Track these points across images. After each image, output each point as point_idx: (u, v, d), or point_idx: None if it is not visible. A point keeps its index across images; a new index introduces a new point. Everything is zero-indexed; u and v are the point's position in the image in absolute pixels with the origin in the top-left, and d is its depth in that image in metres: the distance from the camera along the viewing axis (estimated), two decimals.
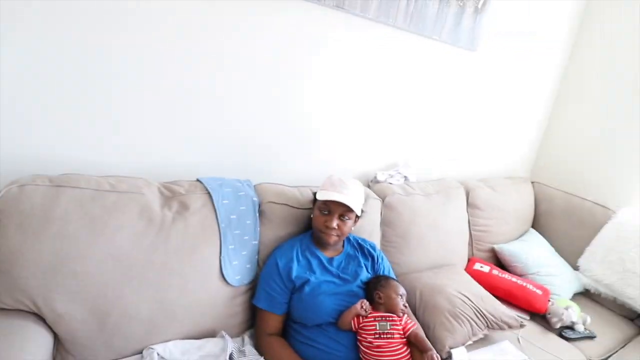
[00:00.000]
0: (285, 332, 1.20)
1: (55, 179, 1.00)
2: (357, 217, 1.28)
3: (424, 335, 1.14)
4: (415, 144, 1.92)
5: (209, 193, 1.19)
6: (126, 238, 1.01)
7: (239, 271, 1.19)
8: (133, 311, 1.01)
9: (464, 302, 1.39)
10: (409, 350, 1.09)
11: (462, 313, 1.35)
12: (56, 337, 0.98)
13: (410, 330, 1.10)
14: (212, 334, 1.15)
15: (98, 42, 1.08)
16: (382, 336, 1.07)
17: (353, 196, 1.22)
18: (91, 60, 1.09)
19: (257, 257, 1.27)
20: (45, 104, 1.07)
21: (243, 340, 1.20)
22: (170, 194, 1.15)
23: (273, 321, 1.17)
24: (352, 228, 1.30)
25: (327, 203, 1.22)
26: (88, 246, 0.97)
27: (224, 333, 1.14)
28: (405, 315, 1.15)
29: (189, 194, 1.17)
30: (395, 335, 1.08)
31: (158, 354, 1.03)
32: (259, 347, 1.16)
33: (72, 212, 0.97)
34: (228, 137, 1.39)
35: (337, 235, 1.23)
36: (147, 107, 1.21)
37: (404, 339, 1.10)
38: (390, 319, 1.11)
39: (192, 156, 1.34)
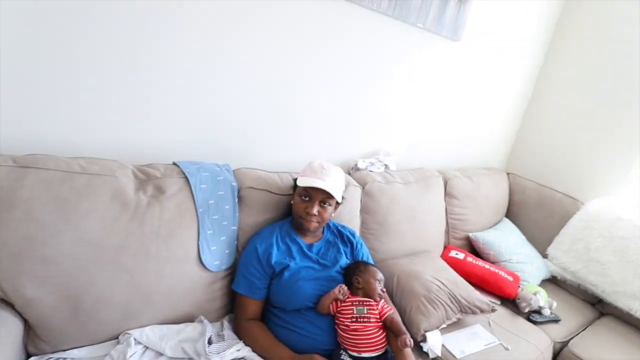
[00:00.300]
0: (264, 317, 1.21)
1: (19, 159, 0.95)
2: (337, 203, 1.29)
3: (399, 320, 1.16)
4: (396, 132, 1.93)
5: (186, 177, 1.16)
6: (98, 222, 0.98)
7: (218, 256, 1.18)
8: (107, 296, 0.98)
9: (439, 287, 1.44)
10: (384, 334, 1.12)
11: (437, 298, 1.40)
12: (26, 323, 0.95)
13: (387, 315, 1.13)
14: (190, 319, 1.14)
15: (66, 14, 1.02)
16: (358, 320, 1.09)
17: (334, 183, 1.23)
18: (60, 33, 1.03)
19: (236, 242, 1.26)
20: (8, 76, 1.00)
21: (222, 325, 1.20)
22: (145, 178, 1.12)
23: (252, 306, 1.17)
24: (332, 214, 1.30)
25: (307, 189, 1.21)
26: (57, 230, 0.93)
27: (202, 318, 1.14)
28: (382, 300, 1.17)
29: (165, 177, 1.14)
30: (371, 320, 1.10)
31: (135, 339, 1.01)
32: (238, 332, 1.16)
33: (39, 194, 0.93)
34: (207, 120, 1.36)
35: (318, 222, 1.23)
36: (121, 84, 1.16)
37: (380, 323, 1.12)
38: (368, 303, 1.13)
39: (169, 138, 1.30)
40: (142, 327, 1.04)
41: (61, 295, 0.94)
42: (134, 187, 1.08)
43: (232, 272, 1.23)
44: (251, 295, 1.17)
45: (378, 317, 1.12)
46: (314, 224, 1.23)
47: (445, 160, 2.20)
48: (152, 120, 1.25)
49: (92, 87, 1.12)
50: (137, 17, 1.12)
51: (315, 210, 1.20)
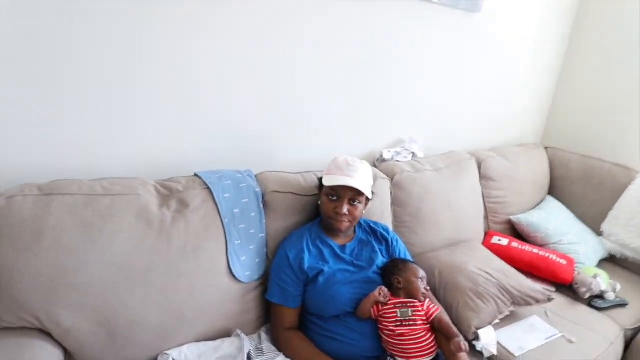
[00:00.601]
0: (302, 326, 1.15)
1: (44, 187, 0.95)
2: (367, 200, 1.22)
3: (449, 320, 1.08)
4: (420, 117, 1.82)
5: (208, 188, 1.13)
6: (125, 243, 0.96)
7: (248, 267, 1.14)
8: (141, 318, 0.96)
9: (486, 279, 1.33)
10: (433, 337, 1.04)
11: (486, 291, 1.30)
12: (66, 352, 0.95)
13: (434, 315, 1.05)
14: (227, 334, 1.11)
15: (74, 27, 1.00)
16: (403, 323, 1.02)
17: (362, 178, 1.16)
18: (68, 49, 1.01)
19: (265, 250, 1.22)
20: (23, 103, 0.99)
21: (260, 337, 1.15)
22: (168, 192, 1.09)
23: (289, 315, 1.13)
24: (363, 212, 1.23)
25: (335, 188, 1.15)
26: (86, 255, 0.92)
27: (239, 332, 1.10)
28: (427, 300, 1.09)
29: (187, 190, 1.10)
30: (418, 322, 1.03)
31: (173, 359, 0.99)
32: (277, 343, 1.11)
33: (65, 220, 0.91)
34: (223, 128, 1.31)
35: (349, 221, 1.17)
36: (137, 99, 1.13)
37: (428, 325, 1.04)
38: (412, 304, 1.05)
39: (188, 149, 1.27)
40: (179, 346, 1.02)
41: (96, 321, 0.93)
42: (157, 204, 1.05)
43: (265, 282, 1.19)
44: (286, 304, 1.12)
45: (425, 318, 1.04)
46: (345, 224, 1.17)
47: (476, 142, 2.07)
48: (170, 133, 1.22)
49: (104, 105, 1.10)
50: (144, 24, 1.08)
51: (345, 209, 1.14)
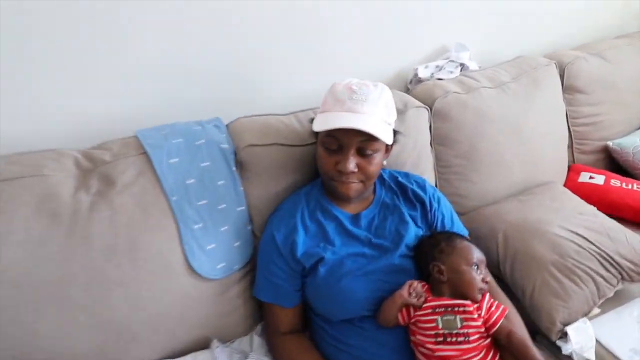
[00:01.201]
0: (309, 326, 0.86)
1: None
2: (388, 145, 0.80)
3: (525, 336, 0.71)
4: (469, 12, 1.34)
5: (146, 152, 0.79)
6: (18, 250, 0.68)
7: (220, 256, 0.84)
8: (65, 347, 0.71)
9: (579, 245, 0.91)
10: (497, 357, 0.67)
11: (579, 264, 0.88)
12: None
13: (499, 324, 0.68)
14: (205, 344, 0.84)
15: None
16: (448, 339, 0.66)
17: (375, 113, 0.76)
18: None
19: (249, 227, 0.91)
20: None
21: (252, 340, 0.88)
22: (91, 166, 0.78)
23: (285, 316, 0.83)
24: (385, 162, 0.84)
25: (333, 134, 0.75)
26: None
27: (216, 343, 0.82)
28: (487, 297, 0.71)
29: (116, 160, 0.78)
30: (471, 336, 0.66)
31: None
32: (271, 351, 0.84)
33: None
34: (186, 64, 0.98)
35: (361, 181, 0.80)
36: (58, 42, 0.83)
37: (488, 340, 0.68)
38: (462, 308, 0.68)
39: (135, 100, 0.96)
40: None
41: (8, 358, 0.68)
42: (73, 185, 0.75)
43: (254, 267, 0.89)
44: (279, 302, 0.82)
45: (482, 330, 0.67)
46: (354, 187, 0.79)
47: (554, 39, 1.55)
48: (110, 82, 0.92)
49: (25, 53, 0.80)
50: None
51: (352, 165, 0.76)
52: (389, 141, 0.78)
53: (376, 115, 0.76)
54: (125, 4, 0.87)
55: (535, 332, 0.87)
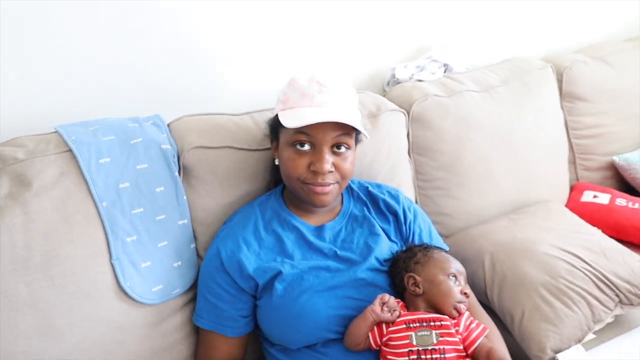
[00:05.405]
0: None
1: None
2: (357, 141, 0.98)
3: (505, 353, 0.85)
4: (455, 5, 1.55)
5: (71, 150, 0.90)
6: None
7: (157, 277, 0.95)
8: None
9: (572, 265, 1.08)
10: None
11: (571, 285, 1.05)
12: None
13: (478, 342, 0.82)
14: None
15: None
16: (422, 356, 0.79)
17: (344, 103, 0.93)
18: None
19: (193, 245, 1.02)
20: None
21: None
22: (1, 165, 0.87)
23: (225, 346, 0.94)
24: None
25: (306, 131, 0.89)
26: None
27: None
28: (466, 314, 0.86)
29: (32, 158, 0.88)
30: (447, 355, 0.80)
31: None
32: None
33: None
34: (123, 56, 1.11)
35: (337, 182, 0.94)
36: None
37: (466, 358, 0.81)
38: (438, 323, 0.82)
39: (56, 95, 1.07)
40: None
41: None
42: None
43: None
44: (220, 330, 0.93)
45: (461, 347, 0.81)
46: (329, 193, 0.92)
47: (551, 39, 1.80)
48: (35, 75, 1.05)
49: None
50: None
51: (329, 164, 0.89)
52: (365, 133, 0.93)
53: (346, 106, 0.92)
54: None
55: None
